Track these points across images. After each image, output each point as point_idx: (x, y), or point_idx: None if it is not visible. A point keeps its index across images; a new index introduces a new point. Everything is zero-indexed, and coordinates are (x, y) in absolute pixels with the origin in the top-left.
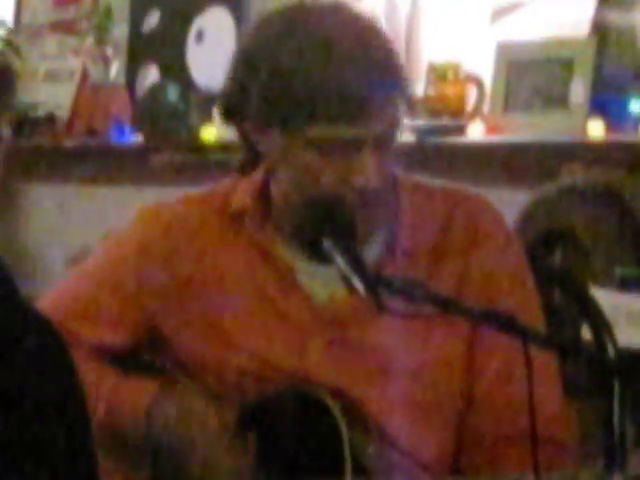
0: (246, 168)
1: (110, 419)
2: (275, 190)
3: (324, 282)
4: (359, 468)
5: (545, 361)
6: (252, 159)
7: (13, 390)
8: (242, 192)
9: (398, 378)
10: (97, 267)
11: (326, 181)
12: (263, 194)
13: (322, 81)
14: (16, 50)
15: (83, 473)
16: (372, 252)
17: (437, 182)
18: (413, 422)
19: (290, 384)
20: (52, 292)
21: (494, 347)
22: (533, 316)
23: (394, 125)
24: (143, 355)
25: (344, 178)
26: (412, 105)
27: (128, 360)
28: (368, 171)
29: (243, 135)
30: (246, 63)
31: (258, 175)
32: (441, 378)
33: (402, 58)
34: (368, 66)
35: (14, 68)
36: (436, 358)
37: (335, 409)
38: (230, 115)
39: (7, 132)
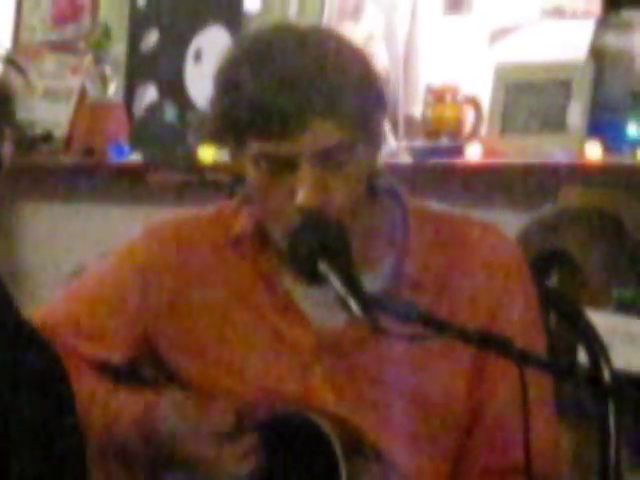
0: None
1: (105, 423)
2: (260, 216)
3: (324, 308)
4: None
5: (541, 392)
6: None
7: (8, 405)
8: (244, 216)
9: (398, 405)
10: (97, 283)
11: (270, 200)
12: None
13: (254, 97)
14: (18, 68)
15: None
16: (377, 282)
17: (446, 209)
18: (412, 449)
19: (286, 409)
20: (48, 306)
21: (499, 378)
22: (537, 349)
23: (341, 144)
24: (145, 371)
25: (287, 196)
26: (373, 128)
27: (127, 376)
28: (304, 190)
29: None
30: (213, 85)
31: None
32: (442, 405)
33: (364, 81)
34: (302, 83)
35: (15, 87)
36: (437, 385)
37: (331, 435)
38: (214, 140)
39: (8, 151)
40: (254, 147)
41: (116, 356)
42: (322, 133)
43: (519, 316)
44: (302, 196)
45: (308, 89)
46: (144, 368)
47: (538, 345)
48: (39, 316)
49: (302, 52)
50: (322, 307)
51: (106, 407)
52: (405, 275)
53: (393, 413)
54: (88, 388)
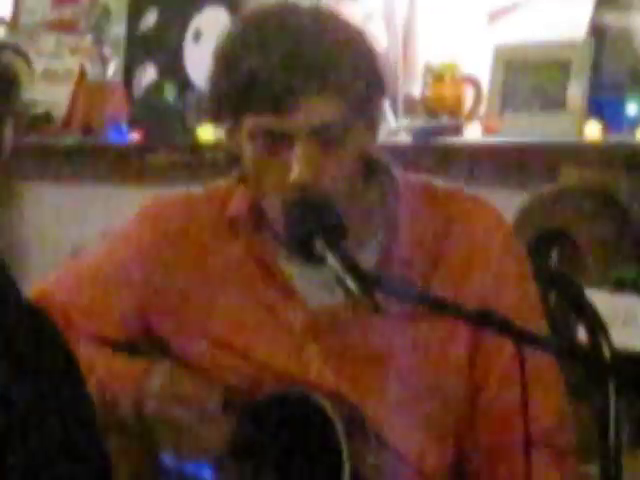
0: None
1: (101, 392)
2: (258, 195)
3: (320, 287)
4: (358, 477)
5: (546, 366)
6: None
7: (14, 384)
8: (239, 196)
9: (396, 383)
10: (97, 261)
11: (266, 177)
12: (258, 200)
13: (251, 72)
14: (21, 53)
15: (91, 464)
16: (367, 257)
17: (438, 182)
18: (412, 431)
19: (291, 389)
20: (47, 282)
21: (496, 353)
22: (533, 322)
23: (337, 122)
24: (144, 349)
25: (283, 173)
26: (369, 106)
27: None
28: (299, 166)
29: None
30: (212, 63)
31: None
32: (441, 383)
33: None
34: (300, 60)
35: (18, 72)
36: (435, 363)
37: (333, 414)
38: (211, 117)
39: (9, 137)
40: (250, 122)
41: (113, 333)
42: (318, 109)
43: (512, 292)
44: (297, 172)
45: (305, 65)
46: (144, 347)
47: (535, 322)
48: (38, 291)
49: (300, 29)
50: (318, 286)
51: (104, 373)
52: (396, 252)
53: (391, 391)
54: (86, 358)
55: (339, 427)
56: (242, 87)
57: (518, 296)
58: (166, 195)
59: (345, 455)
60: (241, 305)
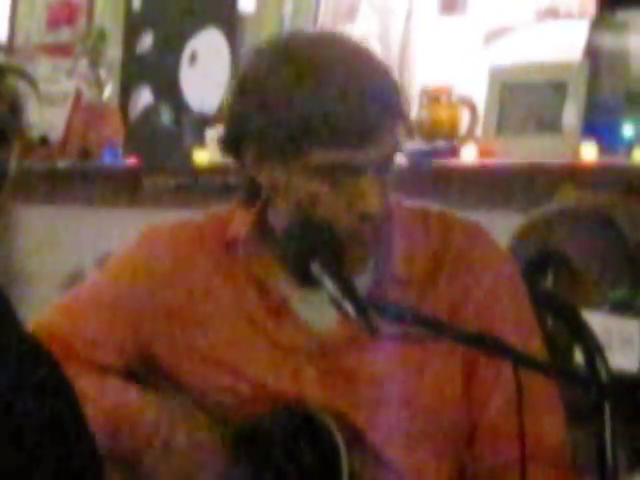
0: (248, 200)
1: (111, 434)
2: (274, 220)
3: (319, 310)
4: None
5: (546, 387)
6: (253, 191)
7: (7, 414)
8: (239, 220)
9: (394, 405)
10: (95, 288)
11: (329, 208)
12: (260, 223)
13: (323, 107)
14: (26, 76)
15: None
16: (364, 279)
17: (430, 206)
18: (410, 450)
19: (291, 406)
20: (49, 311)
21: (495, 373)
22: (530, 343)
23: (394, 151)
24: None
25: (347, 204)
26: (410, 130)
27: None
28: (371, 197)
29: (243, 167)
30: (240, 94)
31: (257, 203)
32: (437, 405)
33: (399, 82)
34: (369, 92)
35: (24, 96)
36: (432, 385)
37: (335, 432)
38: (229, 148)
39: (14, 163)
40: (318, 157)
41: (112, 360)
42: (387, 142)
43: (507, 315)
44: (368, 204)
45: (378, 100)
46: (140, 378)
47: (530, 343)
48: (40, 321)
49: (359, 63)
50: (317, 309)
51: (111, 416)
52: (390, 272)
53: (388, 413)
54: (93, 394)
55: (340, 440)
56: (314, 122)
57: (513, 317)
58: (166, 222)
59: (345, 473)
60: (239, 328)
